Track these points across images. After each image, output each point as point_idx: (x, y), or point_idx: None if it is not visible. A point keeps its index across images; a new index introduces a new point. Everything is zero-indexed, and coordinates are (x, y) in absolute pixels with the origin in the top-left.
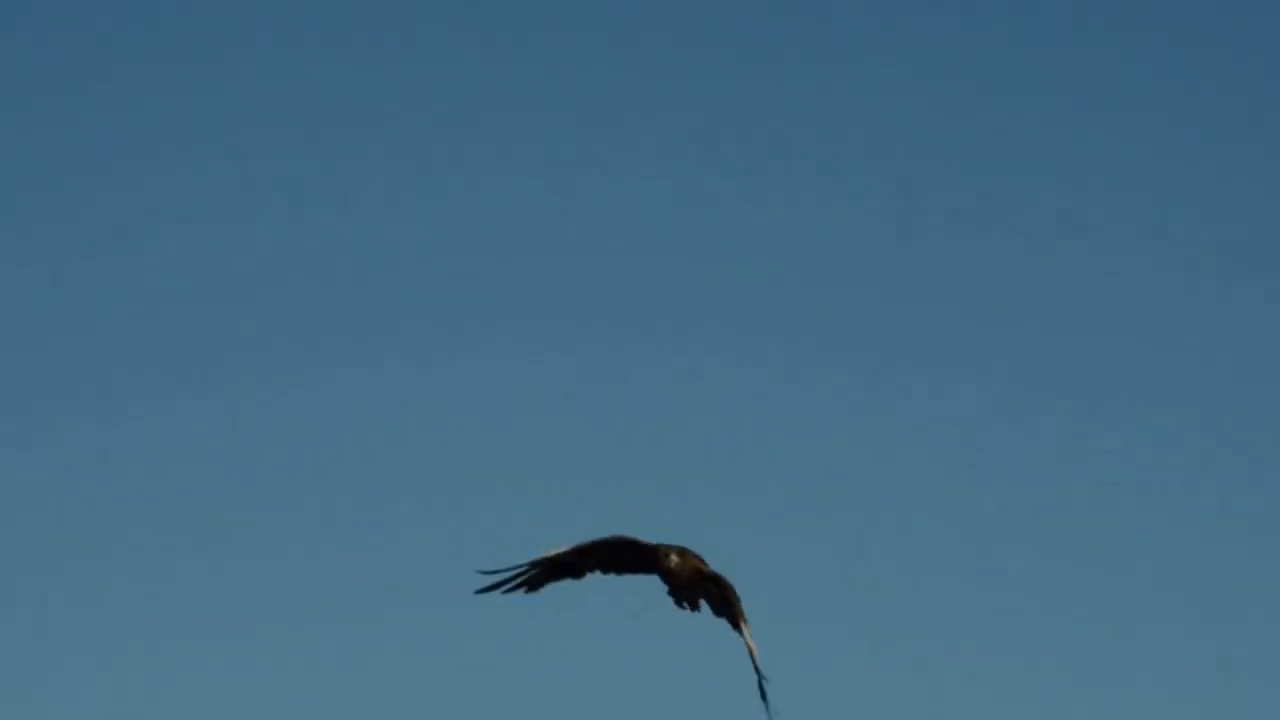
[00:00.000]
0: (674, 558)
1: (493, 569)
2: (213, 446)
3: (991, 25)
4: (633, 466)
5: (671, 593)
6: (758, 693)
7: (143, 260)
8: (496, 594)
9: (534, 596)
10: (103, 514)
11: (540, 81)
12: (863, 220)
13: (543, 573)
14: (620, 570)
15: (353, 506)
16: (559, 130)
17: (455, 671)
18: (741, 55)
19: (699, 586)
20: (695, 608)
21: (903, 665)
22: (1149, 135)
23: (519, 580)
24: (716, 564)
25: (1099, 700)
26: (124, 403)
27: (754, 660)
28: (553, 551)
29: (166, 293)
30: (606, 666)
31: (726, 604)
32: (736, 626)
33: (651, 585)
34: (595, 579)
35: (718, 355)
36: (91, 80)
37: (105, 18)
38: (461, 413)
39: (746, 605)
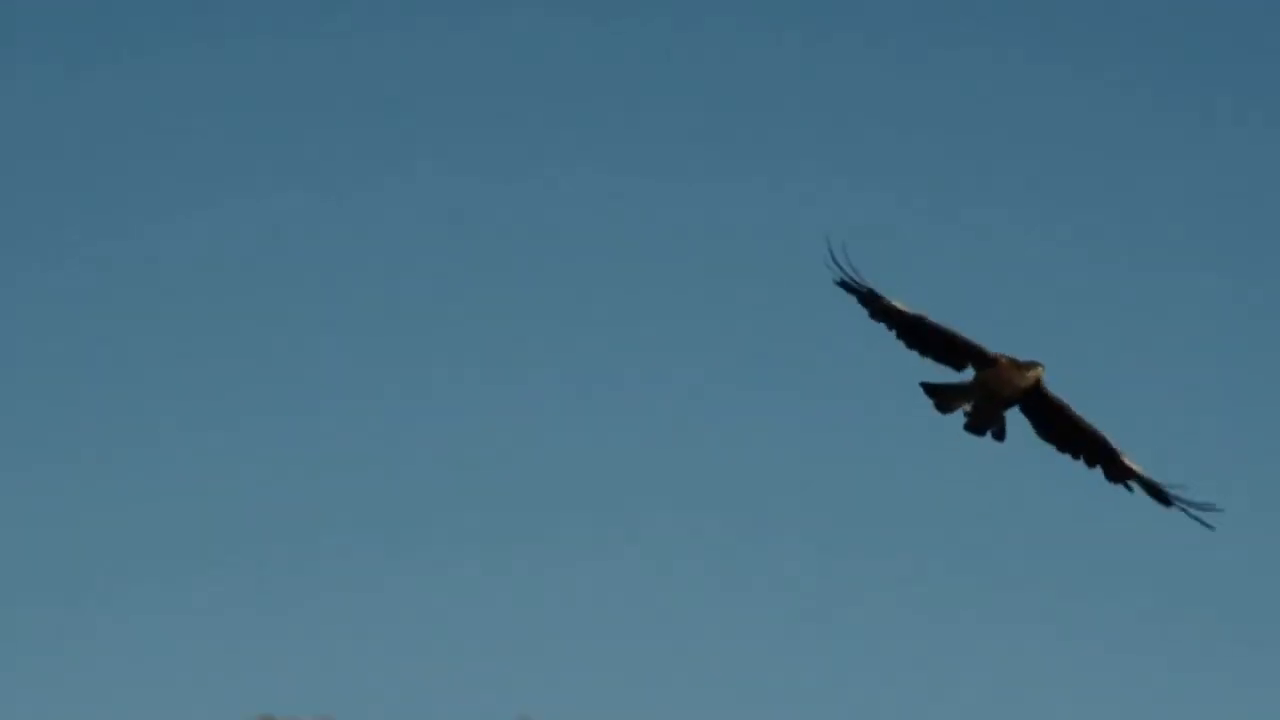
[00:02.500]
0: (1039, 371)
1: (843, 269)
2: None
3: None
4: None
5: (983, 396)
6: (1170, 507)
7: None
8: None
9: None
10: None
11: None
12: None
13: (875, 301)
14: (926, 352)
15: None
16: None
17: None
18: None
19: (1002, 409)
20: (987, 427)
21: None
22: None
23: (858, 290)
24: None
25: None
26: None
27: (1148, 479)
28: (897, 303)
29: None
30: None
31: (1079, 434)
32: (1111, 455)
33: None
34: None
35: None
36: None
37: None
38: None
39: None
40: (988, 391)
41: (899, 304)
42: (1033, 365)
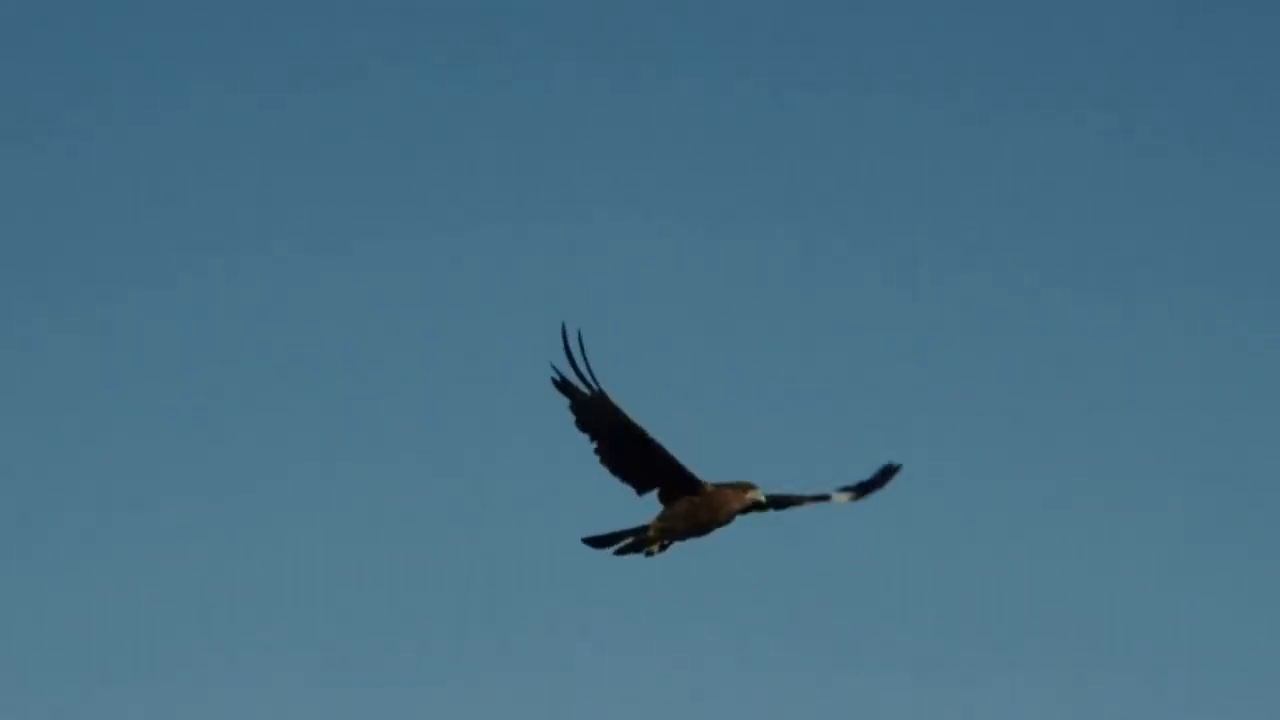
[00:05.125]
0: (756, 493)
1: (577, 365)
2: None
3: None
4: None
5: (686, 524)
6: (872, 489)
7: None
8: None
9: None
10: None
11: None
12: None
13: (602, 408)
14: (625, 470)
15: None
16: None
17: None
18: None
19: (699, 534)
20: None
21: None
22: None
23: (583, 391)
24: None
25: None
26: None
27: (809, 497)
28: (628, 412)
29: None
30: None
31: (775, 505)
32: (783, 504)
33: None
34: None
35: None
36: None
37: None
38: None
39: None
40: (693, 521)
41: (629, 413)
42: (748, 487)
